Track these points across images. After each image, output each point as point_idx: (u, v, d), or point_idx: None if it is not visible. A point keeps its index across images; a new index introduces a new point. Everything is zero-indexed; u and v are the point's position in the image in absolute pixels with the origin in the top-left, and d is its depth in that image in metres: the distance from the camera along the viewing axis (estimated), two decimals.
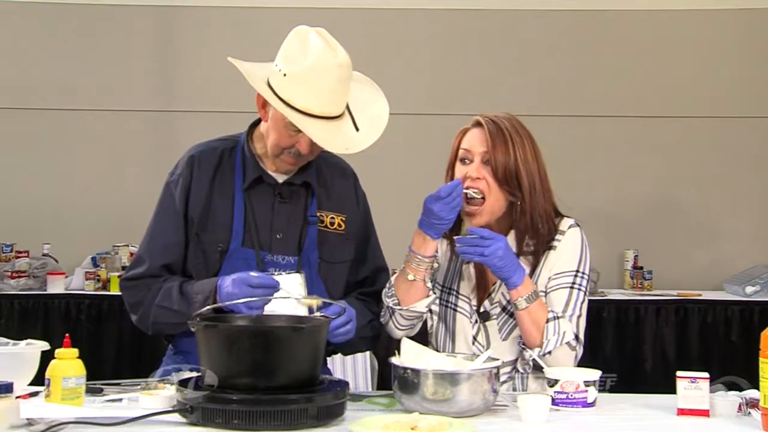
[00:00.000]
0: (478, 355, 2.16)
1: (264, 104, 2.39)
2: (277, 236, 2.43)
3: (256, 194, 2.44)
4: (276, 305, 2.23)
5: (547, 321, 2.29)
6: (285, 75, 2.28)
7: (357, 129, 2.34)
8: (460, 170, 2.38)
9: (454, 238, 2.32)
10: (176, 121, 5.79)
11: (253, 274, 2.27)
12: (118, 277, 4.96)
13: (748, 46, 5.88)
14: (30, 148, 5.85)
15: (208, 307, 2.17)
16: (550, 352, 2.27)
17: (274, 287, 2.25)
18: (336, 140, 2.31)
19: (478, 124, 2.39)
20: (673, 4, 5.86)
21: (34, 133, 5.85)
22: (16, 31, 5.89)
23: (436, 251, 2.40)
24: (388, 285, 2.44)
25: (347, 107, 2.35)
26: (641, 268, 5.61)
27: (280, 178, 2.46)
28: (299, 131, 2.30)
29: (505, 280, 2.28)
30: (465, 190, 2.32)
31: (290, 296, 2.25)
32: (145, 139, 5.83)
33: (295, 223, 2.45)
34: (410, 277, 2.36)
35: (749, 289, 5.22)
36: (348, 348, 2.52)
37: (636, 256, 5.67)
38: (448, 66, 5.88)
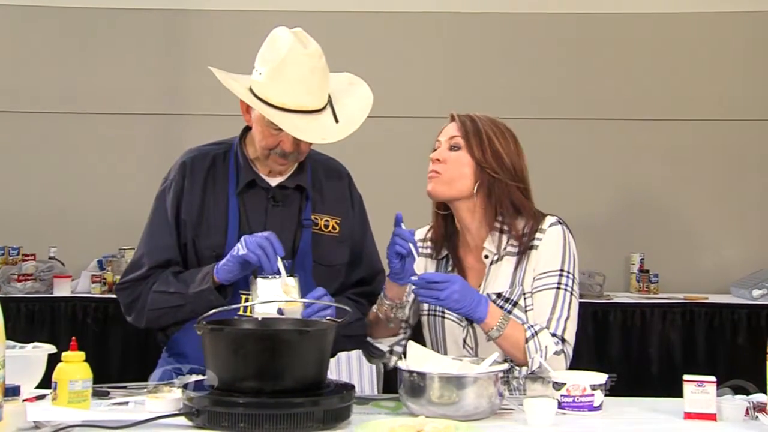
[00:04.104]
0: (484, 359, 2.15)
1: (247, 109, 2.40)
2: None
3: (250, 198, 2.45)
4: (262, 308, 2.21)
5: (527, 341, 2.28)
6: (261, 74, 2.31)
7: (336, 121, 2.32)
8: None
9: (412, 279, 2.28)
10: (183, 125, 5.80)
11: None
12: None
13: (754, 49, 5.87)
14: (37, 151, 5.86)
15: (204, 287, 2.26)
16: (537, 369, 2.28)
17: (268, 239, 2.23)
18: (311, 131, 2.29)
19: (451, 118, 2.45)
20: (677, 8, 5.85)
21: (41, 136, 5.86)
22: (23, 34, 5.90)
23: (403, 299, 2.37)
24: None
25: (330, 102, 2.35)
26: (647, 271, 5.59)
27: (274, 182, 2.46)
28: (280, 129, 2.30)
29: (469, 317, 2.29)
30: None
31: (274, 300, 2.22)
32: (153, 143, 5.83)
33: (288, 226, 2.44)
34: (376, 310, 2.39)
35: (756, 293, 5.21)
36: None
37: (642, 259, 5.65)
38: (450, 70, 5.88)
